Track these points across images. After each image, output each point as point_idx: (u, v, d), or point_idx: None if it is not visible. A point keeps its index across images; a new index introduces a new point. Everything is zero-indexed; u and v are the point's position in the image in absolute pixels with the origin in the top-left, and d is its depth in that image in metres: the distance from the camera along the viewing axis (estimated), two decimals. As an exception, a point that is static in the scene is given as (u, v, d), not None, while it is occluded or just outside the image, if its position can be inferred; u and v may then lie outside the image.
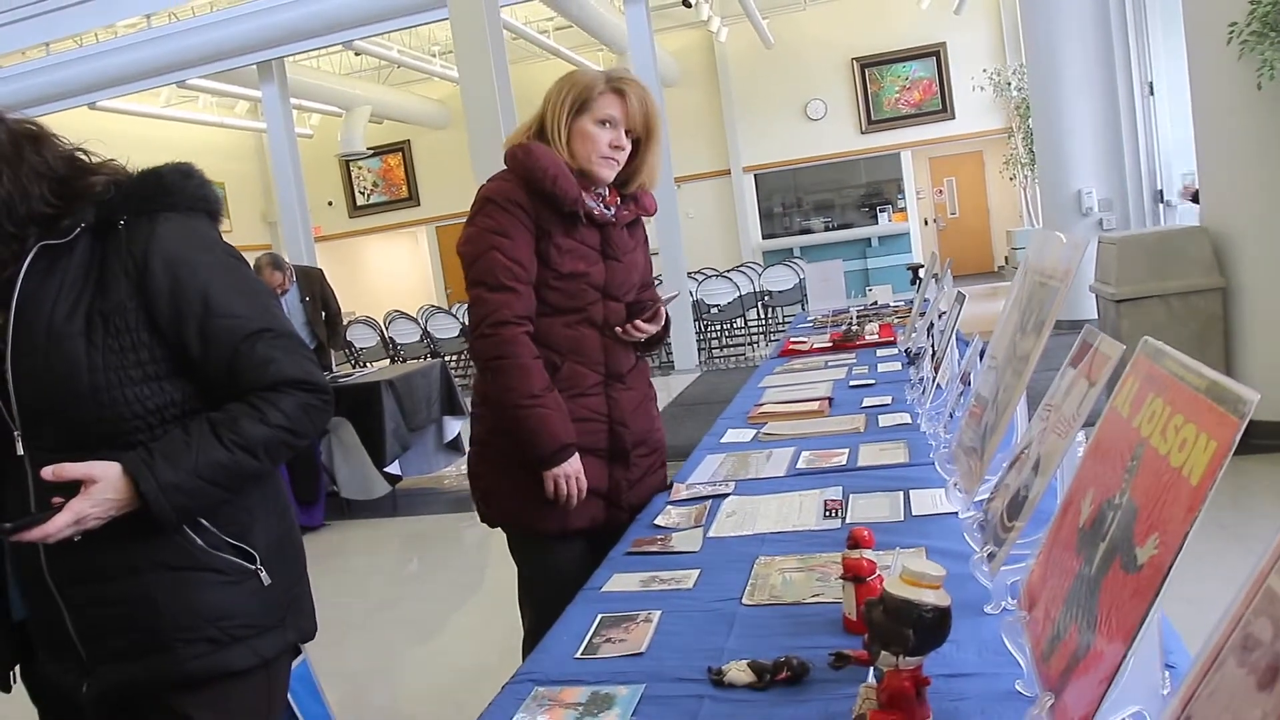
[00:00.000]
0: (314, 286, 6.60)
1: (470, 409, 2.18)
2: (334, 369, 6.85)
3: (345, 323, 12.31)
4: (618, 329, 2.12)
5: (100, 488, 1.29)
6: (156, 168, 1.45)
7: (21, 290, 1.34)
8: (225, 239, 1.50)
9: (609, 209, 2.09)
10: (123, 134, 12.20)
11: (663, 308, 2.18)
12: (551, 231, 2.01)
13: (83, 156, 1.43)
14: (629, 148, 2.09)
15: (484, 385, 2.07)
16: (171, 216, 1.41)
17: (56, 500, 1.28)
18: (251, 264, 6.09)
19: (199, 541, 1.40)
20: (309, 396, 1.43)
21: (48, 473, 1.27)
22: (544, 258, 2.01)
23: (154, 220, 1.39)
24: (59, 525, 1.27)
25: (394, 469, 5.75)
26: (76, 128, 1.40)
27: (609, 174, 2.08)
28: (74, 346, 1.33)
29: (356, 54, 13.12)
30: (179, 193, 1.44)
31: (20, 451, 1.36)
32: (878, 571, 1.29)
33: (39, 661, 1.53)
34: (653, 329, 2.16)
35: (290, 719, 1.70)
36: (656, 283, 2.36)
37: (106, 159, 1.46)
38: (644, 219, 2.24)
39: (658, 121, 2.10)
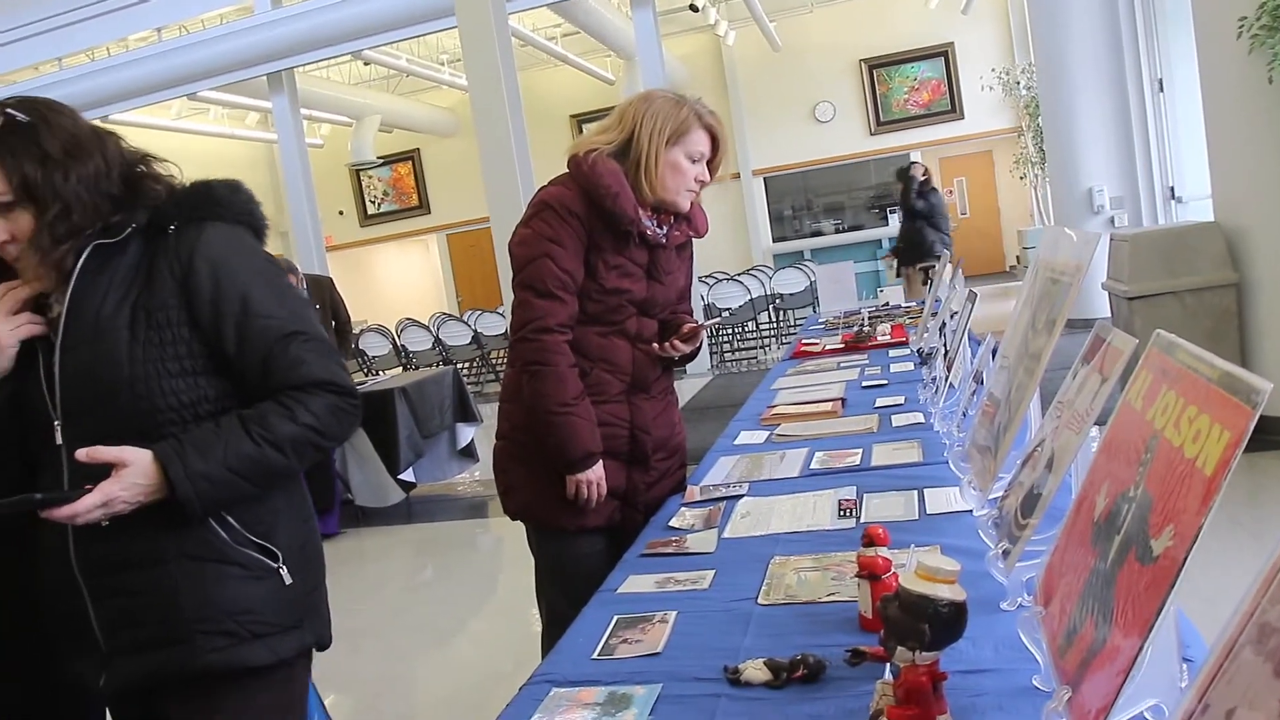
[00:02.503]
0: (324, 294, 6.62)
1: (499, 402, 2.21)
2: None
3: (357, 331, 12.41)
4: (654, 345, 2.16)
5: (130, 472, 1.33)
6: (208, 181, 1.53)
7: (75, 285, 1.40)
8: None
9: (661, 228, 2.11)
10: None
11: (701, 331, 2.21)
12: (602, 246, 2.04)
13: (146, 165, 1.49)
14: (709, 182, 2.14)
15: (517, 383, 2.09)
16: (219, 225, 1.48)
17: (88, 487, 1.32)
18: None
19: (224, 535, 1.44)
20: (338, 399, 1.47)
21: (82, 454, 1.32)
22: (591, 270, 2.05)
23: (201, 227, 1.46)
24: (88, 505, 1.31)
25: (408, 476, 5.76)
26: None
27: (687, 206, 2.13)
28: (117, 339, 1.39)
29: (366, 64, 13.19)
30: (226, 205, 1.52)
31: (59, 441, 1.40)
32: (893, 569, 1.29)
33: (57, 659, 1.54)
34: (687, 349, 2.20)
35: None
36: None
37: (166, 170, 1.53)
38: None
39: (728, 155, 2.15)
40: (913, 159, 12.25)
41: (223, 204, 1.51)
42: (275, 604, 1.47)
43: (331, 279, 7.03)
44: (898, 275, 9.68)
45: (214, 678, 1.44)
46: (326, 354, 1.49)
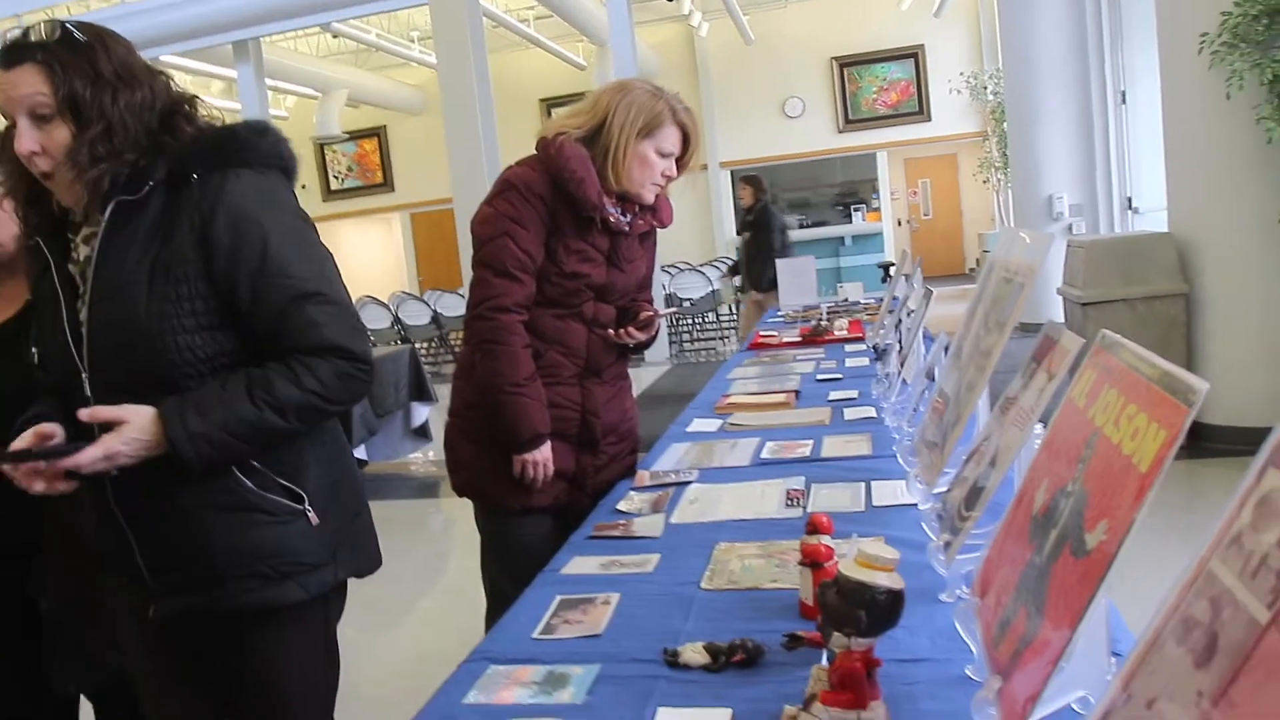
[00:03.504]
0: None
1: (453, 379, 2.21)
2: None
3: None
4: (610, 332, 2.15)
5: (130, 428, 1.35)
6: (232, 125, 1.50)
7: (102, 242, 1.41)
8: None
9: (625, 216, 2.11)
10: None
11: (658, 320, 2.21)
12: (564, 230, 2.04)
13: (191, 106, 1.47)
14: (675, 178, 2.14)
15: (470, 361, 2.08)
16: (243, 173, 1.44)
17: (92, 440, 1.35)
18: None
19: (248, 484, 1.45)
20: (348, 365, 1.45)
21: (84, 414, 1.35)
22: (551, 253, 2.04)
23: (225, 176, 1.43)
24: (89, 457, 1.34)
25: (360, 453, 5.71)
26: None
27: (651, 199, 2.13)
28: (136, 293, 1.39)
29: (334, 36, 13.00)
30: (252, 149, 1.48)
31: (87, 392, 1.42)
32: (835, 558, 1.30)
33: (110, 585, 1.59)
34: (643, 337, 2.20)
35: None
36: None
37: (208, 115, 1.50)
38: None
39: (699, 152, 2.15)
40: (876, 161, 12.29)
41: (247, 148, 1.47)
42: (304, 544, 1.49)
43: None
44: (739, 295, 8.06)
45: (248, 615, 1.48)
46: (343, 318, 1.47)
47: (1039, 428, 1.18)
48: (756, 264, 7.92)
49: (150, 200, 1.41)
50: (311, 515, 1.50)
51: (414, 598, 4.30)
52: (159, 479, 1.40)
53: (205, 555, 1.45)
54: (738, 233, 8.61)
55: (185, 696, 1.59)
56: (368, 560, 1.66)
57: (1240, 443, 4.28)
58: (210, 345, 1.42)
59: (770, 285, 7.37)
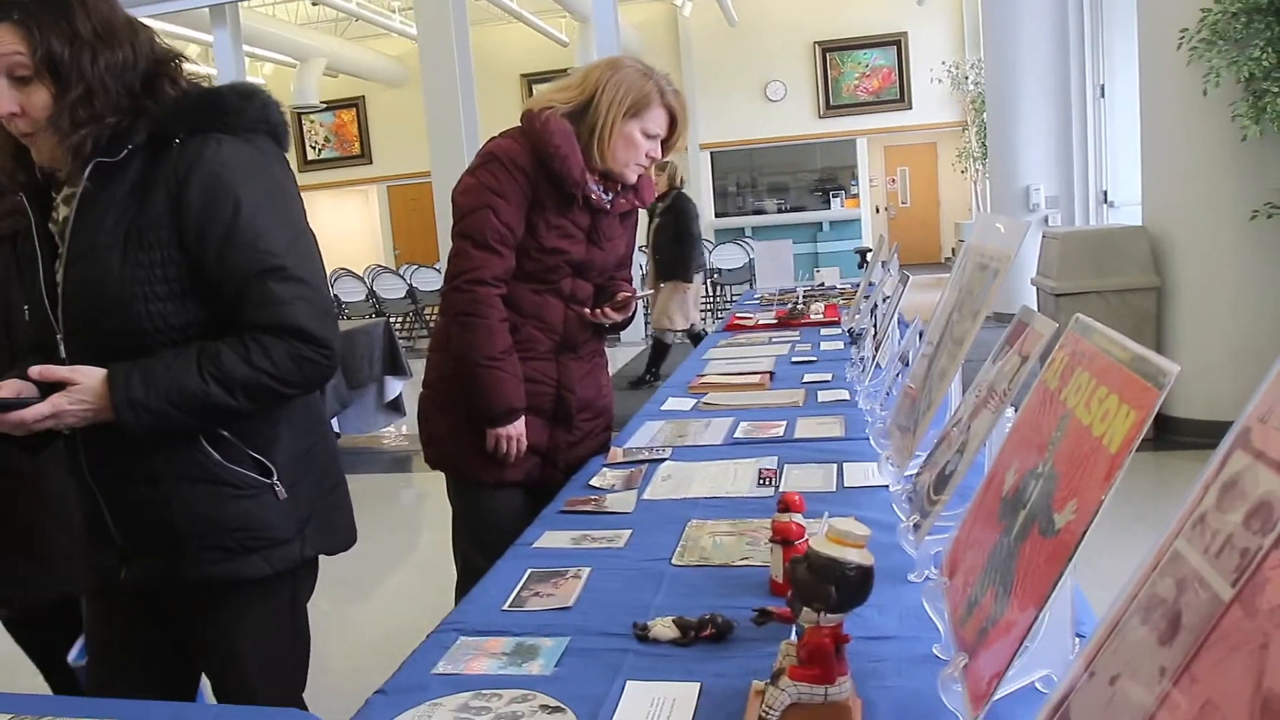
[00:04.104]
0: None
1: (428, 351, 2.19)
2: None
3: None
4: (586, 311, 2.14)
5: (79, 390, 1.34)
6: (218, 88, 1.46)
7: (79, 204, 1.38)
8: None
9: (607, 194, 2.10)
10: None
11: (635, 301, 2.20)
12: (546, 205, 2.02)
13: (174, 64, 1.44)
14: (660, 159, 2.14)
15: (446, 333, 2.07)
16: (225, 139, 1.41)
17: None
18: None
19: (216, 455, 1.43)
20: (306, 348, 1.40)
21: (34, 372, 1.33)
22: (531, 228, 2.03)
23: (206, 141, 1.39)
24: (35, 414, 1.32)
25: (333, 426, 5.67)
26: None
27: (634, 179, 2.12)
28: (110, 257, 1.36)
29: (314, 3, 12.84)
30: (236, 114, 1.44)
31: (63, 354, 1.41)
32: (806, 536, 1.31)
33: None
34: (619, 318, 2.19)
35: None
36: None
37: (196, 76, 1.47)
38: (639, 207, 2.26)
39: (685, 135, 2.14)
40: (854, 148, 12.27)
41: (231, 113, 1.43)
42: (271, 518, 1.47)
43: None
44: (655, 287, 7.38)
45: (213, 587, 1.47)
46: (308, 297, 1.41)
47: (1010, 411, 1.19)
48: (673, 251, 7.38)
49: (130, 163, 1.38)
50: (279, 490, 1.47)
51: (385, 571, 4.29)
52: (129, 444, 1.38)
53: (169, 524, 1.43)
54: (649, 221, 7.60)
55: (136, 672, 1.56)
56: (340, 536, 1.63)
57: (1207, 436, 4.33)
58: (182, 314, 1.39)
59: (693, 271, 7.40)
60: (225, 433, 1.43)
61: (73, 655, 1.98)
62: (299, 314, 1.40)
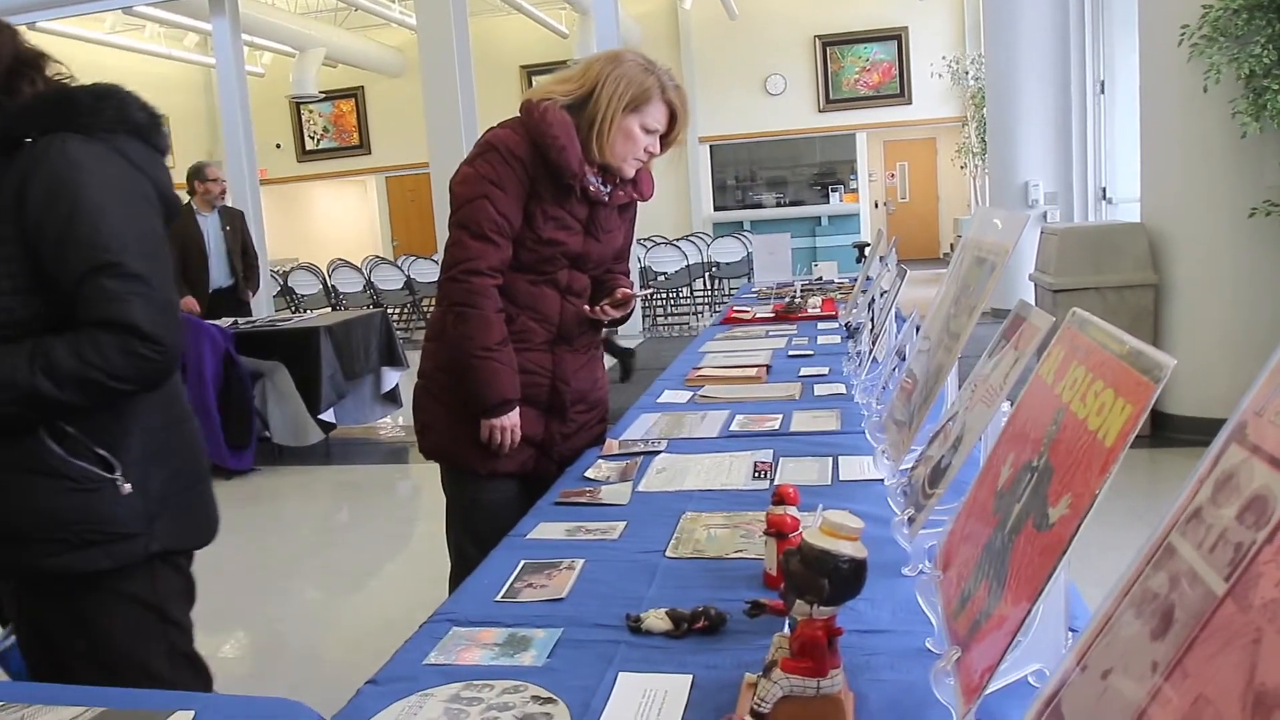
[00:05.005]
0: (235, 220, 6.57)
1: (424, 341, 2.19)
2: (251, 313, 6.76)
3: (287, 269, 12.16)
4: (585, 308, 2.14)
5: None
6: (71, 88, 1.46)
7: None
8: (157, 166, 1.50)
9: (605, 186, 2.09)
10: (62, 58, 11.73)
11: (634, 300, 2.20)
12: (543, 195, 2.02)
13: (36, 66, 1.43)
14: (659, 154, 2.12)
15: (442, 323, 2.07)
16: (74, 138, 1.41)
17: None
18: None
19: (56, 449, 1.43)
20: (140, 344, 1.40)
21: None
22: (529, 218, 2.02)
23: (54, 140, 1.39)
24: None
25: (328, 416, 5.68)
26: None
27: (631, 173, 2.11)
28: None
29: (313, -7, 12.80)
30: (90, 114, 1.43)
31: None
32: (800, 529, 1.30)
33: None
34: (618, 314, 2.19)
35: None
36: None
37: (61, 76, 1.47)
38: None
39: (685, 130, 2.13)
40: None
41: (85, 114, 1.43)
42: (115, 512, 1.47)
43: (242, 212, 6.96)
44: None
45: (60, 580, 1.47)
46: (143, 294, 1.41)
47: (1005, 405, 1.19)
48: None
49: None
50: (122, 484, 1.46)
51: (379, 562, 4.29)
52: None
53: (6, 513, 1.43)
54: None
55: (37, 652, 1.57)
56: (198, 532, 1.62)
57: (1203, 434, 4.29)
58: (27, 309, 1.39)
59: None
60: (69, 427, 1.43)
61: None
62: (133, 310, 1.39)
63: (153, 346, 1.41)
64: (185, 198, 6.42)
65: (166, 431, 1.56)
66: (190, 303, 6.16)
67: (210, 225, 6.41)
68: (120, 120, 1.47)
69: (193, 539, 1.61)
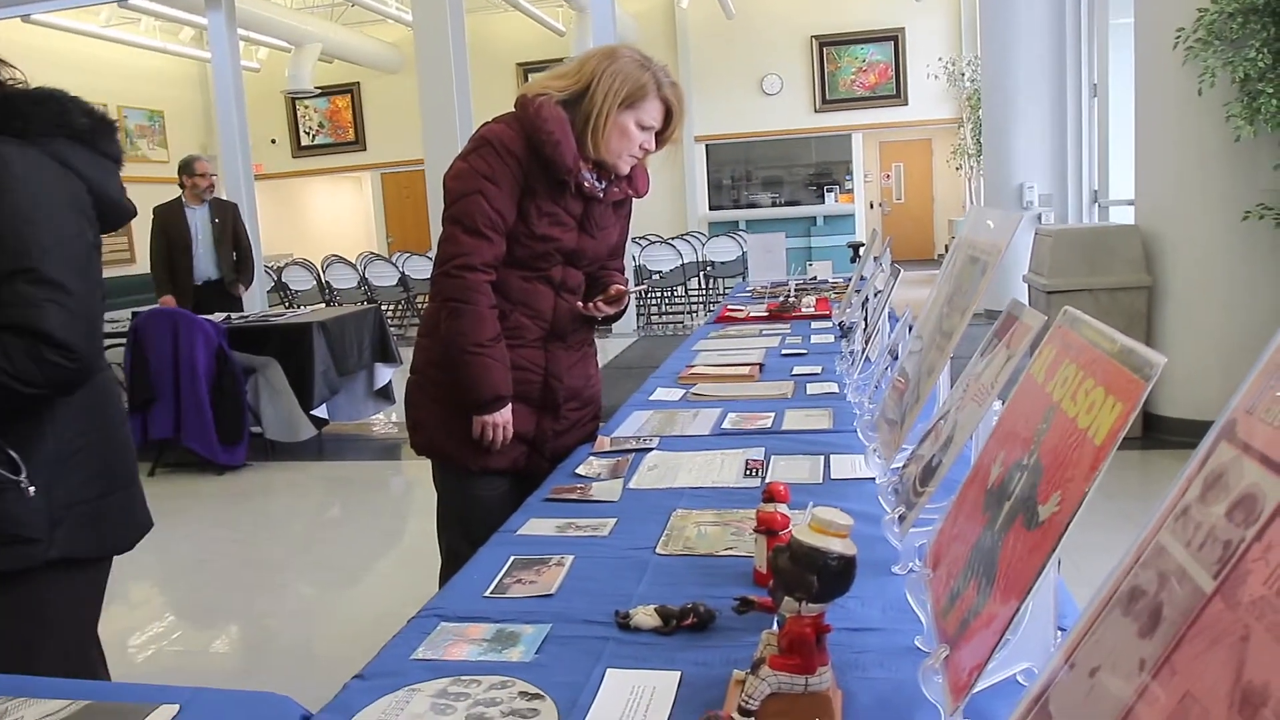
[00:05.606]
0: (227, 214, 6.54)
1: (417, 337, 2.18)
2: (242, 308, 6.74)
3: (281, 264, 12.13)
4: (579, 304, 2.13)
5: None
6: (9, 91, 1.45)
7: None
8: (91, 166, 1.49)
9: (600, 183, 2.08)
10: (56, 51, 11.73)
11: (628, 295, 2.19)
12: (538, 191, 2.01)
13: None
14: (654, 151, 2.12)
15: (435, 318, 2.06)
16: (10, 141, 1.40)
17: None
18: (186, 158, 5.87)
19: None
20: (50, 350, 1.40)
21: None
22: (523, 214, 2.01)
23: None
24: None
25: (321, 412, 5.66)
26: (6, 41, 1.36)
27: (626, 170, 2.10)
28: None
29: (309, -12, 12.77)
30: (26, 119, 1.43)
31: None
32: (790, 527, 1.30)
33: None
34: (611, 311, 2.18)
35: None
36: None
37: (15, 81, 1.45)
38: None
39: (682, 127, 2.13)
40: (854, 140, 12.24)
41: (20, 117, 1.43)
42: (14, 514, 1.45)
43: (236, 205, 6.94)
44: None
45: None
46: (61, 301, 1.41)
47: (997, 404, 1.18)
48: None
49: None
50: (27, 488, 1.45)
51: (371, 558, 4.28)
52: None
53: None
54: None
55: None
56: (107, 541, 1.60)
57: (1195, 436, 4.22)
58: None
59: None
60: None
61: None
62: (46, 317, 1.39)
63: (64, 354, 1.41)
64: (177, 191, 6.42)
65: (85, 437, 1.54)
66: (168, 300, 6.15)
67: (199, 218, 6.39)
68: (60, 125, 1.46)
69: (102, 547, 1.59)
